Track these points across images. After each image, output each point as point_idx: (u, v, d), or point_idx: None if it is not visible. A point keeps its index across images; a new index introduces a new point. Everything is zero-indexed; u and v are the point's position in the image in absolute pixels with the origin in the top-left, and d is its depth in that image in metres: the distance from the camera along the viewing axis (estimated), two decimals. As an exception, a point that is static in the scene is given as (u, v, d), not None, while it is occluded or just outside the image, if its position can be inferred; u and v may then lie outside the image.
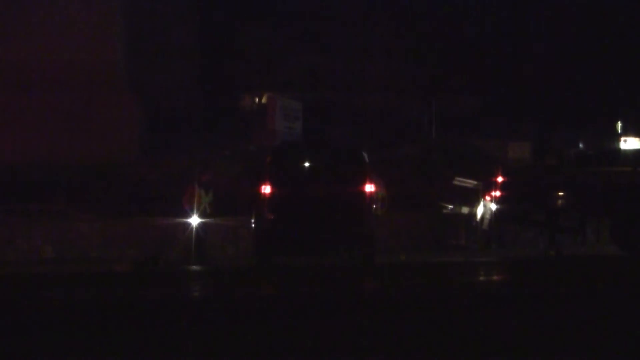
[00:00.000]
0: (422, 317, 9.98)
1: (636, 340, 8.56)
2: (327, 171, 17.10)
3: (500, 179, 21.76)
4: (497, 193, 21.65)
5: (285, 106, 30.07)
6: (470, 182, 24.34)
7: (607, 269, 16.07)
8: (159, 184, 24.80)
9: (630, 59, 36.56)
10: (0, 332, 9.25)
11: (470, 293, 12.40)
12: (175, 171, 25.35)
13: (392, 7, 36.49)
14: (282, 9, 36.71)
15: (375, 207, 17.55)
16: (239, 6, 35.90)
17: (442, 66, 35.88)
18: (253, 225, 18.00)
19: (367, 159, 17.28)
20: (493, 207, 21.93)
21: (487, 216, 22.61)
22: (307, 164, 17.28)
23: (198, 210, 18.97)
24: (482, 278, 15.37)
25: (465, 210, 24.24)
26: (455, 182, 25.02)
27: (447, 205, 25.17)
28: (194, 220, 18.98)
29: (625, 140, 36.65)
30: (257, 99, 34.95)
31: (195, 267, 18.08)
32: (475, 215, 23.46)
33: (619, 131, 38.14)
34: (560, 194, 20.31)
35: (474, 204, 23.61)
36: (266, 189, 16.73)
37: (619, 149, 31.48)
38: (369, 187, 16.86)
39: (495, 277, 15.66)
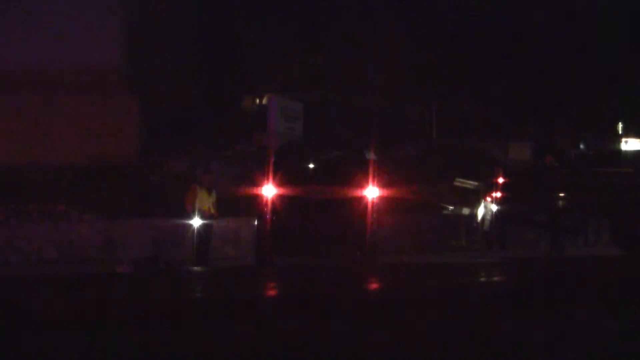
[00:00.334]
0: (423, 317, 9.97)
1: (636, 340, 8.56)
2: (329, 172, 17.09)
3: (501, 180, 21.77)
4: (498, 194, 21.66)
5: (286, 107, 30.02)
6: (471, 183, 24.37)
7: (609, 269, 16.08)
8: (160, 185, 24.82)
9: (632, 59, 36.57)
10: (1, 332, 9.25)
11: (471, 294, 12.40)
12: (176, 172, 25.38)
13: (393, 7, 36.51)
14: (283, 10, 36.73)
15: (377, 208, 17.55)
16: (240, 7, 35.91)
17: (443, 66, 35.90)
18: (255, 226, 18.00)
19: (370, 159, 17.27)
20: (494, 208, 21.94)
21: (488, 217, 22.63)
22: (309, 165, 17.29)
23: (200, 211, 18.93)
24: (482, 279, 15.37)
25: (466, 211, 24.27)
26: (456, 183, 25.05)
27: (447, 206, 25.18)
28: (196, 221, 18.95)
29: (626, 142, 36.73)
30: (257, 100, 34.99)
31: (196, 268, 18.07)
32: (476, 216, 23.49)
33: (620, 132, 38.21)
34: (561, 194, 20.32)
35: (474, 204, 23.63)
36: (268, 190, 16.74)
37: (620, 150, 31.54)
38: (372, 188, 16.86)
39: (496, 278, 15.66)
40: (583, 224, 20.62)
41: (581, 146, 34.11)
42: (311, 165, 17.33)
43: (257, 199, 17.06)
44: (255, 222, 17.76)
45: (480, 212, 23.12)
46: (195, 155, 26.22)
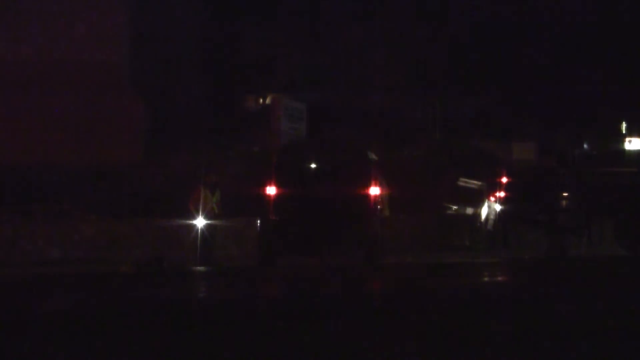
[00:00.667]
0: (425, 317, 9.98)
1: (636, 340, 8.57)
2: (332, 172, 17.10)
3: (504, 180, 21.76)
4: (502, 194, 21.65)
5: (289, 107, 30.07)
6: (474, 183, 24.35)
7: (611, 269, 16.08)
8: (164, 185, 24.80)
9: (635, 59, 36.53)
10: (2, 332, 9.26)
11: (474, 293, 12.41)
12: (179, 172, 25.35)
13: (395, 7, 36.49)
14: (286, 10, 36.71)
15: (380, 208, 17.55)
16: (242, 7, 35.91)
17: (446, 66, 35.87)
18: (258, 226, 18.01)
19: (373, 160, 17.27)
20: (497, 207, 21.93)
21: (492, 217, 22.63)
22: (312, 165, 17.29)
23: (204, 211, 18.95)
24: (486, 279, 15.37)
25: (469, 211, 24.24)
26: (460, 183, 25.02)
27: (451, 206, 25.16)
28: (200, 221, 18.97)
29: (629, 141, 36.69)
30: (261, 100, 34.98)
31: (200, 268, 18.08)
32: (479, 216, 23.48)
33: (624, 132, 38.16)
34: (565, 194, 20.31)
35: (478, 204, 23.62)
36: (271, 190, 16.75)
37: (624, 150, 31.50)
38: (375, 188, 16.86)
39: (499, 278, 15.66)
40: (586, 224, 20.60)
41: (585, 146, 34.08)
42: (314, 166, 17.34)
43: (260, 199, 17.07)
44: (259, 222, 17.78)
45: (484, 212, 23.11)
46: (198, 155, 26.19)
